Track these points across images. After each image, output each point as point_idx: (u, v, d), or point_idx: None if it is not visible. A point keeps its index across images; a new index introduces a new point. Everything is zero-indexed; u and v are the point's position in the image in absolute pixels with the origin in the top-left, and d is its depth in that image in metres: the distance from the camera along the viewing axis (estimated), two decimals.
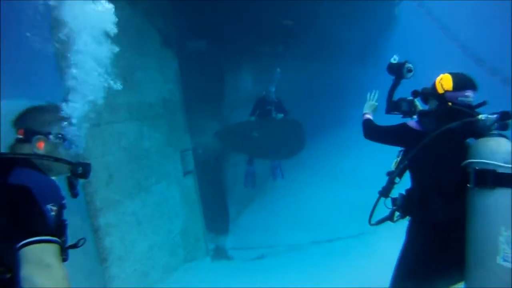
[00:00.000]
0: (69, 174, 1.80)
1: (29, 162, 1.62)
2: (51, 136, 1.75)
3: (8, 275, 1.37)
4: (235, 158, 8.26)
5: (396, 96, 2.86)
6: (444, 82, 2.44)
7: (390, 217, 2.66)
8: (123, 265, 4.43)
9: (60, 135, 1.77)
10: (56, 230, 1.50)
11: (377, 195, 2.69)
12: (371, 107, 3.03)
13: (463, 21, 18.27)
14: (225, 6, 6.52)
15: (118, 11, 2.28)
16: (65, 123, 1.80)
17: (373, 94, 3.13)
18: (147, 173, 5.10)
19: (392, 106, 2.83)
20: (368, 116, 2.94)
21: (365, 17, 10.08)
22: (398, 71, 2.80)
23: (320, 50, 10.02)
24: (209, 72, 7.45)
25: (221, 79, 7.72)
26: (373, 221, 2.75)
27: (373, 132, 2.79)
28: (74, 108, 1.86)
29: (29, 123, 1.73)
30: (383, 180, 3.07)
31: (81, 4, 2.08)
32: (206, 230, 6.75)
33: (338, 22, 9.14)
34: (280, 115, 7.56)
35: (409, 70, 2.78)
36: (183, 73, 6.42)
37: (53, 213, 1.50)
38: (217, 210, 7.57)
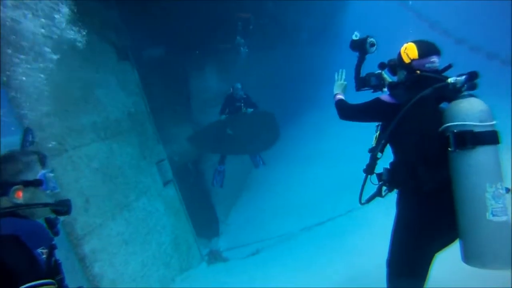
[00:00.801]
0: (51, 214, 1.80)
1: (11, 212, 1.63)
2: (27, 183, 1.72)
3: None
4: (212, 159, 8.16)
5: (364, 72, 2.84)
6: (409, 51, 2.45)
7: (378, 193, 2.66)
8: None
9: (35, 180, 1.74)
10: (50, 271, 1.53)
11: (362, 174, 2.69)
12: (341, 87, 3.00)
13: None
14: (178, 8, 6.38)
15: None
16: (37, 166, 1.78)
17: (340, 73, 3.10)
18: (125, 191, 4.95)
19: (361, 82, 2.82)
20: (340, 96, 2.90)
21: None
22: (361, 47, 2.78)
23: (278, 37, 10.00)
24: (172, 77, 7.31)
25: (185, 82, 7.59)
26: (363, 200, 2.75)
27: (347, 112, 2.75)
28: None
29: (2, 176, 1.69)
30: (360, 156, 3.06)
31: None
32: (197, 236, 6.65)
33: (291, 6, 9.14)
34: (250, 110, 7.49)
35: (372, 44, 2.77)
36: (146, 82, 6.25)
37: (44, 256, 1.52)
38: (204, 214, 7.47)
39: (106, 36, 5.43)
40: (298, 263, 5.93)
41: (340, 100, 2.84)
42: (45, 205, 1.74)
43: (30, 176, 1.73)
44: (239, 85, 7.46)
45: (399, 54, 2.54)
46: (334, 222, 7.46)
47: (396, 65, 2.60)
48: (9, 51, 3.31)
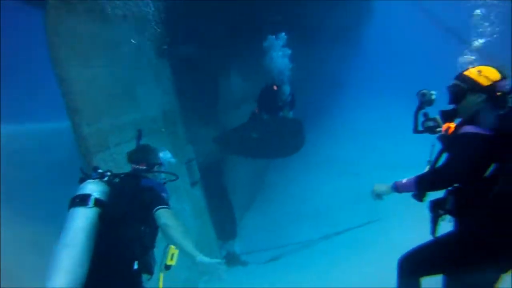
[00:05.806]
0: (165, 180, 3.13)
1: (145, 177, 2.91)
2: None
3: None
4: (233, 161, 8.10)
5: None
6: (489, 73, 2.40)
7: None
8: None
9: (159, 162, 3.11)
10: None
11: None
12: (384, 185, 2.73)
13: None
14: (210, 7, 6.33)
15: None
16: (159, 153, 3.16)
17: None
18: None
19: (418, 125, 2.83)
20: (404, 180, 2.56)
21: None
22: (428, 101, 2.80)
23: (302, 36, 9.78)
24: (201, 77, 7.24)
25: (214, 82, 7.53)
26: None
27: (448, 176, 2.31)
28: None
29: (146, 159, 3.05)
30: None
31: None
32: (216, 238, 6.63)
33: (316, 6, 8.97)
34: (291, 113, 7.11)
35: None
36: (177, 81, 6.20)
37: (166, 197, 2.76)
38: (223, 216, 7.43)
39: (146, 32, 5.38)
40: (316, 270, 5.95)
41: (416, 178, 2.46)
42: (161, 172, 3.08)
43: (156, 160, 3.09)
44: (288, 89, 6.91)
45: (469, 79, 2.46)
46: (353, 232, 7.41)
47: (467, 90, 2.49)
48: None
